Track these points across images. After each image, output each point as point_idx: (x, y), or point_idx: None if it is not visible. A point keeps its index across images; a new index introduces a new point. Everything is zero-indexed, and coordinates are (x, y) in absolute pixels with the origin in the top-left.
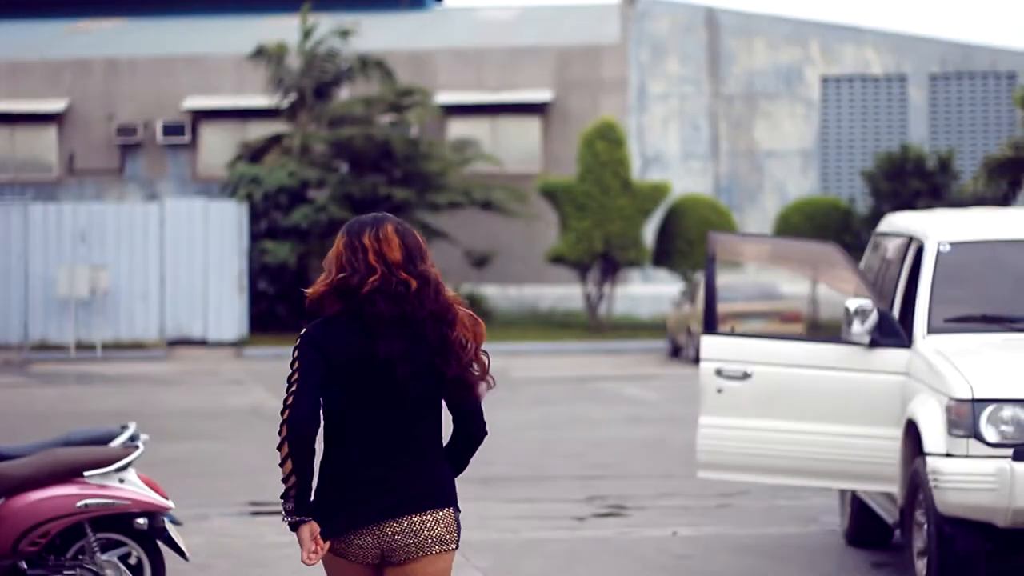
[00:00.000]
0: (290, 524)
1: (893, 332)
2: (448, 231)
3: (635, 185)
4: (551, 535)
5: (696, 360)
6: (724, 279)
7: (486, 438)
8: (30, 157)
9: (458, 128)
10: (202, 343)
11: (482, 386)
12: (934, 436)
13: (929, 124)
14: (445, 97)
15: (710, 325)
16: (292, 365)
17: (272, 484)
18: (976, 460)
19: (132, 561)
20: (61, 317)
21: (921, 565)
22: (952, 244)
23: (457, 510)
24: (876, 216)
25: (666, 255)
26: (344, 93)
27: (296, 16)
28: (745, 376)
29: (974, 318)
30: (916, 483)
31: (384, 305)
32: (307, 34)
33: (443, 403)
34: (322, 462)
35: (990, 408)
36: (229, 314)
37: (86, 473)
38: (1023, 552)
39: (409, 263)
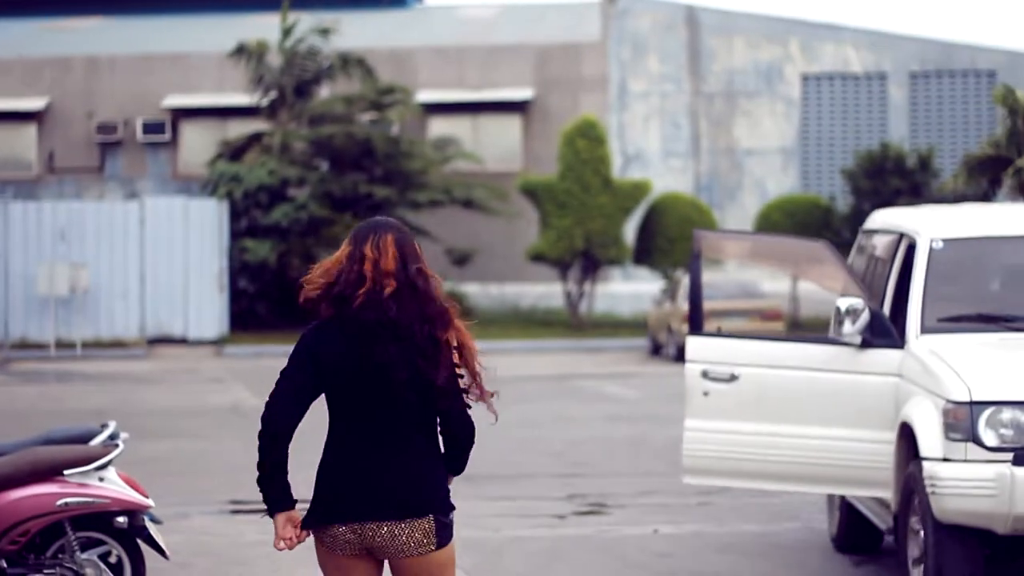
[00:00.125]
0: (266, 512)
1: (885, 332)
2: (429, 229)
3: (616, 183)
4: (532, 533)
5: (677, 358)
6: (705, 277)
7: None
8: (10, 155)
9: (439, 126)
10: (182, 341)
11: (476, 395)
12: (930, 440)
13: (909, 122)
14: (426, 95)
15: (696, 325)
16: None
17: (252, 482)
18: (975, 465)
19: (112, 560)
20: (41, 315)
21: (917, 573)
22: (945, 241)
23: (443, 514)
24: (856, 214)
25: (647, 253)
26: (325, 91)
27: (277, 14)
28: (732, 378)
29: (969, 317)
30: (911, 488)
31: (373, 312)
32: (287, 32)
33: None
34: (320, 463)
35: (989, 411)
36: (209, 312)
37: (66, 472)
38: (1023, 559)
39: (402, 270)
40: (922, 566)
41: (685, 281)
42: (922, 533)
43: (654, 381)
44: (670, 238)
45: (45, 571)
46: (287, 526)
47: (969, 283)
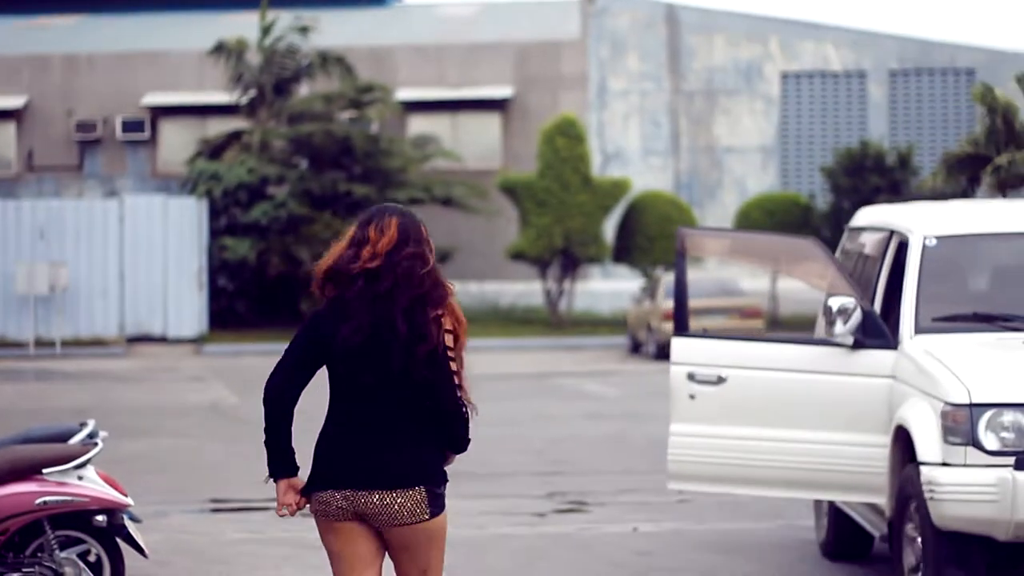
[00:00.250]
0: (270, 478)
1: (878, 332)
2: None
3: (595, 181)
4: (513, 531)
5: (657, 356)
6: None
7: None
8: None
9: (418, 124)
10: (162, 340)
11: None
12: (928, 444)
13: (888, 120)
14: (405, 93)
15: (681, 325)
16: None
17: (232, 481)
18: (975, 470)
19: (91, 558)
20: (20, 314)
21: None
22: (938, 238)
23: (435, 485)
24: (836, 212)
25: (626, 251)
26: (304, 89)
27: (256, 12)
28: (719, 380)
29: (965, 317)
30: (907, 494)
31: (369, 290)
32: (267, 30)
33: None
34: (319, 436)
35: (989, 413)
36: (189, 311)
37: (45, 470)
38: None
39: (398, 251)
40: (919, 574)
41: (665, 279)
42: (919, 540)
43: (634, 379)
44: (650, 236)
45: (24, 570)
46: (288, 492)
47: (963, 282)
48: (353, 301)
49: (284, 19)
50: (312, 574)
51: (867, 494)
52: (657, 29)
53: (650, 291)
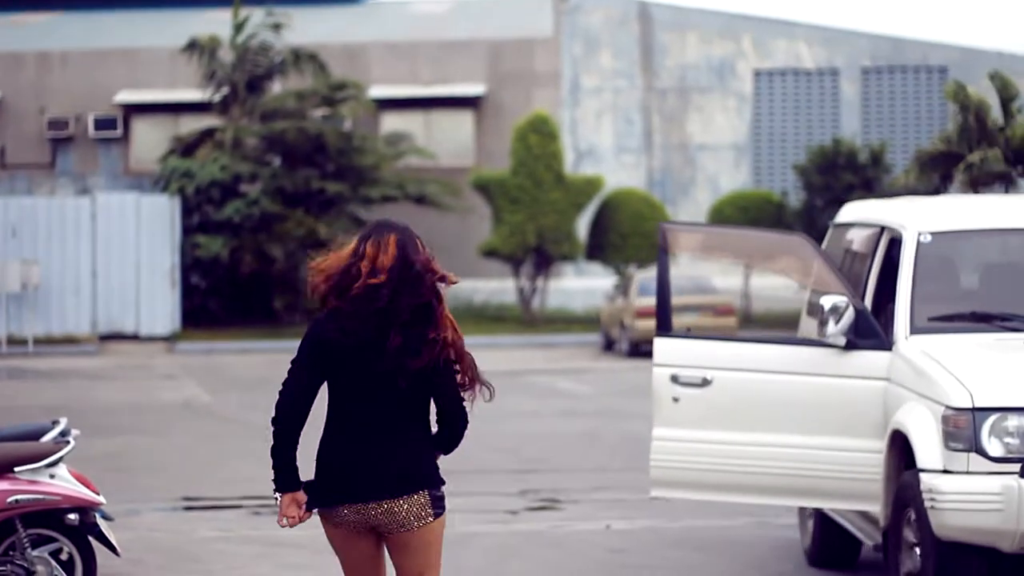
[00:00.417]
0: (276, 492)
1: (872, 332)
2: None
3: (568, 179)
4: (486, 529)
5: (630, 354)
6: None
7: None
8: None
9: (391, 122)
10: (134, 337)
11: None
12: (928, 450)
13: (861, 118)
14: (378, 91)
15: (664, 324)
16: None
17: (204, 479)
18: (978, 477)
19: (63, 557)
20: None
21: None
22: (933, 235)
23: (434, 487)
24: (808, 209)
25: (599, 249)
26: (277, 87)
27: (229, 10)
28: (705, 383)
29: (962, 316)
30: (905, 502)
31: (369, 302)
32: (239, 27)
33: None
34: (320, 442)
35: (993, 418)
36: (161, 308)
37: (16, 469)
38: None
39: (397, 266)
40: None
41: (637, 277)
42: (917, 550)
43: (607, 376)
44: (623, 234)
45: None
46: (291, 505)
47: (959, 280)
48: (354, 313)
49: (257, 16)
50: (285, 572)
51: (860, 502)
52: (630, 26)
53: (623, 288)
